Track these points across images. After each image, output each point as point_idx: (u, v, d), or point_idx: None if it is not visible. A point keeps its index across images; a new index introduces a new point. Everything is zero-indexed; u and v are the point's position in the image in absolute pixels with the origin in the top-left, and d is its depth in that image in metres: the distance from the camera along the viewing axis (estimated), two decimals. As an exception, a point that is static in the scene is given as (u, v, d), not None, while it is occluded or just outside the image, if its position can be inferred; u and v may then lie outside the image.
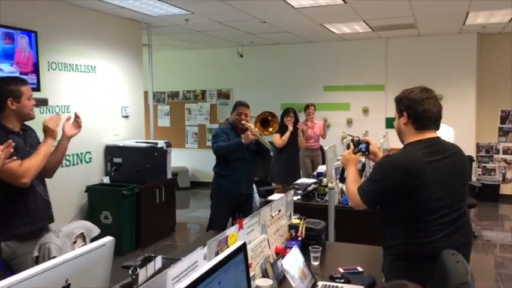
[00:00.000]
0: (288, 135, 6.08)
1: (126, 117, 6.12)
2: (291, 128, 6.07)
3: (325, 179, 4.50)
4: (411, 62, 8.02)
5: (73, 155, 5.23)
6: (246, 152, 4.32)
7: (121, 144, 5.65)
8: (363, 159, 5.21)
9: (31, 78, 4.53)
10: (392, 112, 8.58)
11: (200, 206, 8.34)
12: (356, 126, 8.35)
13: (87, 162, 5.45)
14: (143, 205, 5.44)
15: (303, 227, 2.85)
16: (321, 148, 7.66)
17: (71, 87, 5.19)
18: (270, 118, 4.55)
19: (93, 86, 5.53)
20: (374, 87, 8.31)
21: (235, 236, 2.13)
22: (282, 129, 6.10)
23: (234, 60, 9.10)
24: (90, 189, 5.33)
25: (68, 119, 2.79)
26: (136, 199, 5.39)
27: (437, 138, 2.20)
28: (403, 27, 7.01)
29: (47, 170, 2.74)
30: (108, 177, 5.65)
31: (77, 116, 2.82)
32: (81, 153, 5.36)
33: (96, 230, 2.84)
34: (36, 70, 4.59)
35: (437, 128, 2.21)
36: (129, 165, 5.58)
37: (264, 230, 2.55)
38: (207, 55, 9.32)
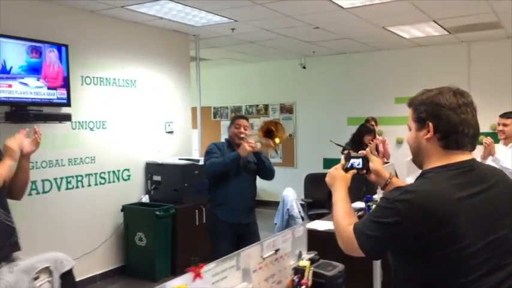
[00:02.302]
0: None
1: (171, 133, 5.85)
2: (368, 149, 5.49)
3: (374, 206, 3.79)
4: (499, 69, 6.88)
5: (109, 172, 5.03)
6: (244, 171, 3.75)
7: (160, 162, 5.36)
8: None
9: (60, 93, 4.40)
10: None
11: (263, 228, 7.82)
12: (433, 143, 7.36)
13: (125, 180, 5.23)
14: (179, 227, 5.07)
15: (309, 272, 2.23)
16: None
17: (108, 102, 5.01)
18: (274, 128, 3.92)
19: (133, 101, 5.33)
20: (454, 98, 7.27)
21: (181, 289, 1.60)
22: (356, 146, 5.48)
23: (296, 73, 8.56)
24: (126, 209, 5.08)
25: (26, 134, 2.43)
26: (172, 220, 5.03)
27: (473, 161, 1.49)
28: (486, 28, 6.01)
29: (14, 193, 2.41)
30: (147, 196, 5.38)
31: (35, 132, 2.47)
32: (119, 171, 5.14)
33: (69, 263, 2.46)
34: (66, 85, 4.45)
35: (473, 147, 1.50)
36: (168, 184, 5.27)
37: (248, 276, 1.98)
38: (269, 68, 8.89)
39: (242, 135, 3.76)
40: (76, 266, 4.72)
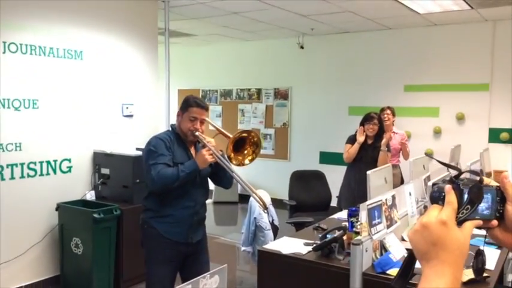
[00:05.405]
0: (356, 148, 4.45)
1: (130, 116, 4.90)
2: (360, 139, 4.44)
3: (359, 222, 2.81)
4: (529, 53, 5.80)
5: (41, 162, 4.10)
6: (198, 177, 2.80)
7: (108, 151, 4.43)
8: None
9: (-32, 61, 3.47)
10: (499, 120, 6.23)
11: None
12: (446, 139, 6.32)
13: (64, 173, 4.31)
14: (126, 233, 4.14)
15: None
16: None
17: (42, 77, 4.07)
18: (247, 140, 2.88)
19: (78, 76, 4.38)
20: (474, 86, 6.20)
21: None
22: (355, 139, 4.53)
23: (294, 54, 7.52)
24: (61, 208, 4.15)
25: None
26: (117, 224, 4.11)
27: None
28: (516, 1, 4.92)
29: None
30: (93, 192, 4.47)
31: None
32: (55, 161, 4.22)
33: None
34: (-22, 51, 3.52)
35: None
36: (117, 179, 4.36)
37: None
38: (263, 47, 7.87)
39: (197, 133, 2.80)
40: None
